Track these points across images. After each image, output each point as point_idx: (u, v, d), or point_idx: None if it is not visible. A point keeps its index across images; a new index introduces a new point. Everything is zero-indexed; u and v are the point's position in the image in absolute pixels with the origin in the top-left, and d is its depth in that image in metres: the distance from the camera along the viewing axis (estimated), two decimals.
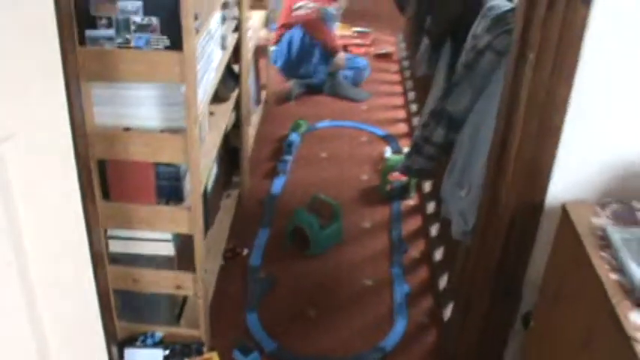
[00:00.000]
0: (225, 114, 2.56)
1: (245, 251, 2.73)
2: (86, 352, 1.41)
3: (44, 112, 1.17)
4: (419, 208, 3.09)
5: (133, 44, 1.82)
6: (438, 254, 2.73)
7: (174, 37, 1.82)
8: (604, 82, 1.41)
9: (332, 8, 4.01)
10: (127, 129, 1.96)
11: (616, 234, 1.38)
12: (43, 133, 1.17)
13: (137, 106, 1.96)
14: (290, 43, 3.96)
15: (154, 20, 1.80)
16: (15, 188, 1.10)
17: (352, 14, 4.87)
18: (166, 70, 1.82)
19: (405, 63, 4.50)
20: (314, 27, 3.95)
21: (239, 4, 2.72)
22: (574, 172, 1.52)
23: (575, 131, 1.48)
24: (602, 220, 1.45)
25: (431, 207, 2.99)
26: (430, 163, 2.10)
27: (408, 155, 2.16)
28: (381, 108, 4.02)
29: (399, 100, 4.09)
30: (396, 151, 3.43)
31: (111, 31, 1.82)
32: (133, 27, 1.81)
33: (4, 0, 1.01)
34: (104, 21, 1.81)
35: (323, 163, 3.44)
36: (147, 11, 1.79)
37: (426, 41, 2.73)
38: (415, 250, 2.83)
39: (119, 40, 1.82)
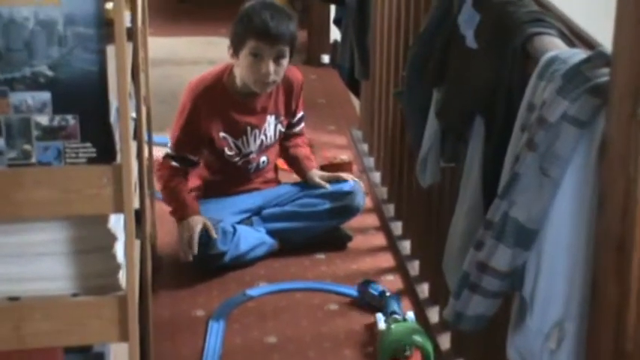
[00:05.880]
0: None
1: None
2: None
3: None
4: None
5: (34, 159, 1.55)
6: None
7: (103, 144, 1.55)
8: None
9: None
10: (14, 298, 1.63)
11: None
12: None
13: (33, 261, 1.63)
14: None
15: (71, 120, 1.53)
16: None
17: None
18: (92, 196, 1.53)
19: (376, 175, 3.88)
20: None
21: None
22: None
23: None
24: None
25: None
26: (494, 304, 1.80)
27: (456, 296, 1.84)
28: (351, 253, 3.45)
29: (378, 239, 3.55)
30: (393, 312, 2.84)
31: None
32: (35, 132, 1.53)
33: None
34: None
35: (273, 356, 2.82)
36: (58, 107, 1.52)
37: (432, 130, 2.45)
38: None
39: (11, 155, 1.54)
